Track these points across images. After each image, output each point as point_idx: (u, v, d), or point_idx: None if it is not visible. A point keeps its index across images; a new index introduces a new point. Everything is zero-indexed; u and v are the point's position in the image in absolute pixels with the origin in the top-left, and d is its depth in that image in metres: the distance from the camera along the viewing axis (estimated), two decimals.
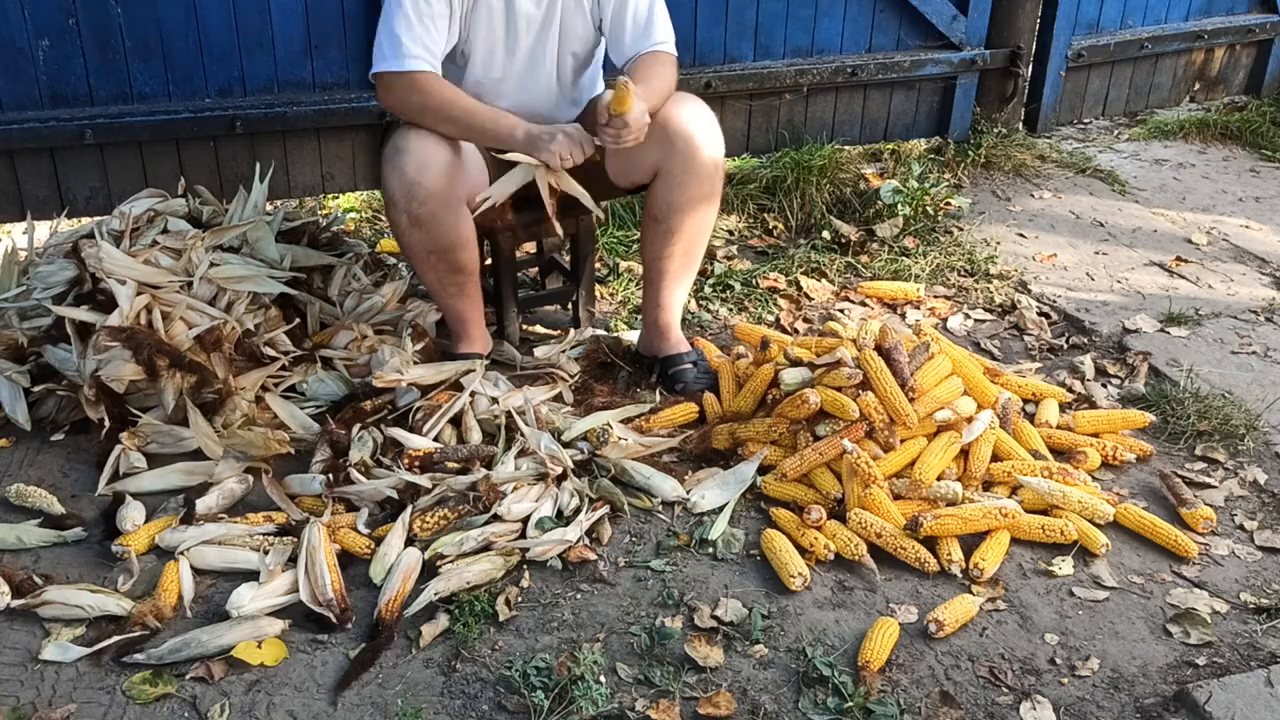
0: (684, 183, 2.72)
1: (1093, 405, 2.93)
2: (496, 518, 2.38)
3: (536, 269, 3.49)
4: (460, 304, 2.88)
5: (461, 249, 2.76)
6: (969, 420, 2.61)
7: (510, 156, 2.66)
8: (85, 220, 3.36)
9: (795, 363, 2.72)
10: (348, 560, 2.32)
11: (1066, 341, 3.30)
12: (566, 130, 2.62)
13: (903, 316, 3.43)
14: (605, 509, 2.45)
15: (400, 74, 2.60)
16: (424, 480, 2.44)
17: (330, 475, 2.49)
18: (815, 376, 2.66)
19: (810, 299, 3.51)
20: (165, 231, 2.92)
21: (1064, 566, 2.37)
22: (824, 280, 3.61)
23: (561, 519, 2.42)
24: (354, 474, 2.48)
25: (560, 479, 2.50)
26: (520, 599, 2.24)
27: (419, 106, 2.63)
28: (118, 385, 2.57)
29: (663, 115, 2.67)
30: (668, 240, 2.83)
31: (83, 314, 2.64)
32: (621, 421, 2.74)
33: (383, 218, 4.02)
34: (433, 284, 2.84)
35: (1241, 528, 2.52)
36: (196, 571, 2.27)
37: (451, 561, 2.27)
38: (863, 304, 3.48)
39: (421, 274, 2.83)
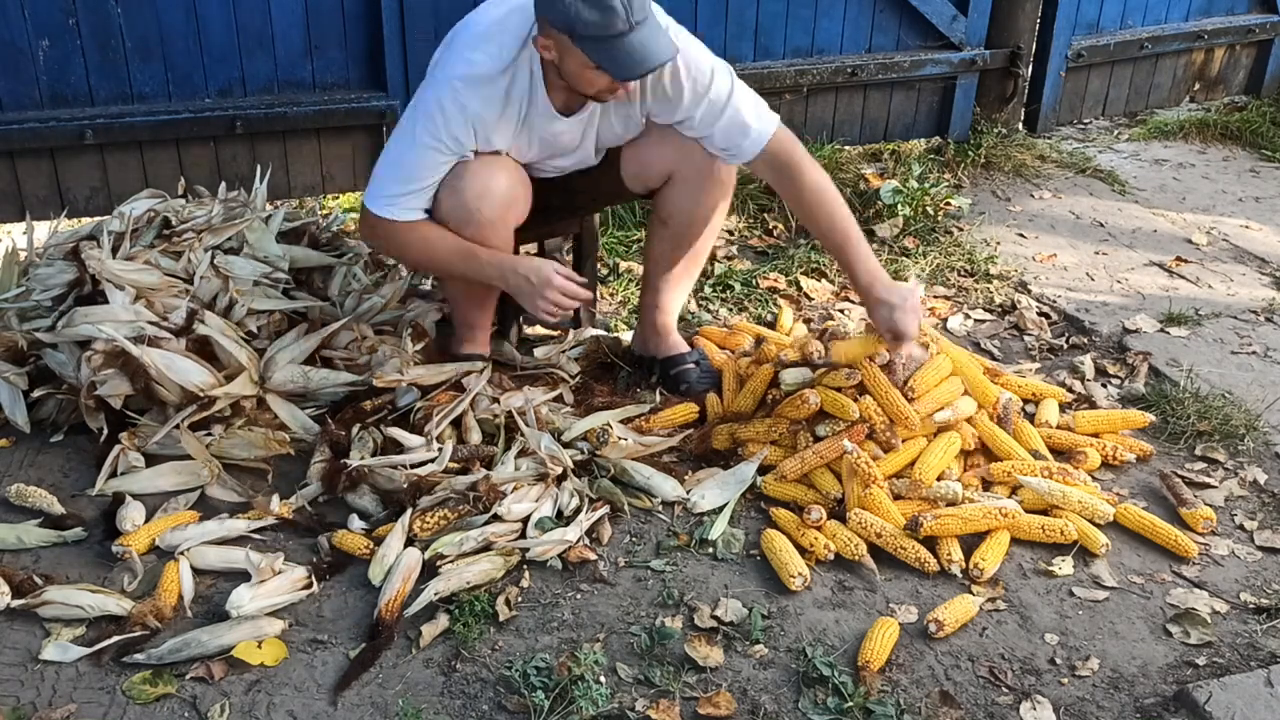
0: (700, 189, 2.68)
1: (1093, 405, 2.93)
2: (496, 518, 2.38)
3: None
4: (477, 313, 2.85)
5: None
6: (969, 420, 2.62)
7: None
8: (85, 220, 3.36)
9: (794, 363, 2.72)
10: (347, 560, 2.32)
11: (1066, 341, 3.30)
12: (545, 294, 2.49)
13: None
14: (605, 509, 2.45)
15: (386, 219, 2.54)
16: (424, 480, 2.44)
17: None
18: (815, 377, 2.66)
19: (810, 299, 3.51)
20: (164, 233, 2.91)
21: (1064, 566, 2.37)
22: (824, 280, 3.61)
23: (561, 519, 2.42)
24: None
25: (560, 479, 2.50)
26: (520, 599, 2.24)
27: (399, 249, 2.64)
28: (115, 401, 2.57)
29: (681, 124, 2.59)
30: (676, 244, 2.80)
31: (80, 333, 2.61)
32: (621, 421, 2.73)
33: None
34: (458, 295, 2.80)
35: (1241, 528, 2.52)
36: (196, 571, 2.27)
37: (451, 561, 2.27)
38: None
39: (448, 284, 2.79)
